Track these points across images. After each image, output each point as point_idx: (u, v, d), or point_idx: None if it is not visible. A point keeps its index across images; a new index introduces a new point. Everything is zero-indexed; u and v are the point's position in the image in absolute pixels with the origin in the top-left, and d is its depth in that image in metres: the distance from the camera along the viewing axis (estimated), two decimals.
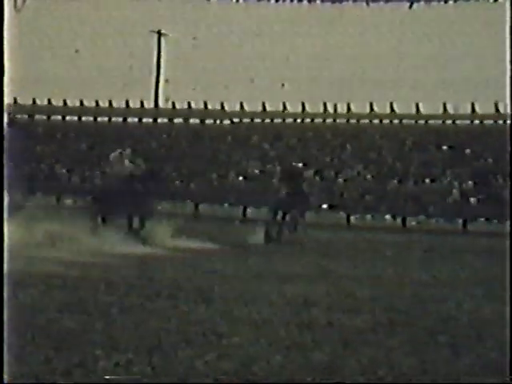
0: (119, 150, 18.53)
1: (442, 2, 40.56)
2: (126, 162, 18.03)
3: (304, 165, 27.52)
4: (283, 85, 35.51)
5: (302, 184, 20.11)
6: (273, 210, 19.74)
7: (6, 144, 6.71)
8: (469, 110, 41.71)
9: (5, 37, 6.13)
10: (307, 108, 43.69)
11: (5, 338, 5.46)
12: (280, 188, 19.76)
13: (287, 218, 19.60)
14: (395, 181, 36.58)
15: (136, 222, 17.36)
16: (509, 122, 38.93)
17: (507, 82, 27.84)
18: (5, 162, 6.38)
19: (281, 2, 41.91)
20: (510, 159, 33.60)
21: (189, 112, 45.48)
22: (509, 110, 38.03)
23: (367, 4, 40.98)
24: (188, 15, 43.50)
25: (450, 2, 40.53)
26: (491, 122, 41.21)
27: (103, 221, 17.21)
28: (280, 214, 19.70)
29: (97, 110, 46.02)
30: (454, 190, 35.15)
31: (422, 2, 40.68)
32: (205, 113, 45.15)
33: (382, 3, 40.88)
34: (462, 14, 40.07)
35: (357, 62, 41.76)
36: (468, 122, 41.75)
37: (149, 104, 46.88)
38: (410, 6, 40.53)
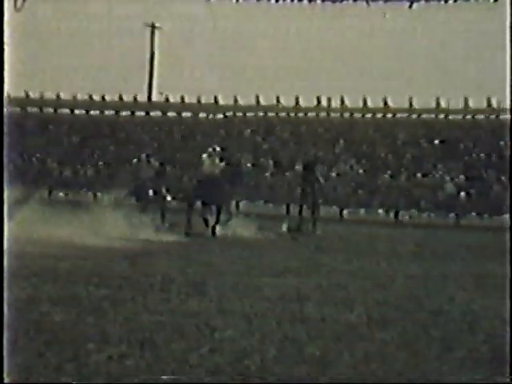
0: (211, 149, 19.45)
1: (442, 2, 40.52)
2: (217, 160, 19.06)
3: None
4: None
5: (315, 180, 21.12)
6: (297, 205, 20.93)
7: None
8: (461, 105, 41.80)
9: (5, 37, 6.12)
10: (301, 102, 43.71)
11: (4, 338, 5.47)
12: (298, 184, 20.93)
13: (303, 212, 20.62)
14: (388, 175, 36.64)
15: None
16: (501, 116, 39.01)
17: (507, 83, 27.80)
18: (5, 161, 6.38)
19: (281, 1, 41.83)
20: (511, 154, 33.65)
21: (182, 106, 45.45)
22: (508, 106, 38.08)
23: (367, 4, 40.93)
24: (184, 11, 43.43)
25: (450, 2, 40.49)
26: (483, 116, 41.31)
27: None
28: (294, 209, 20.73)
29: (90, 104, 45.96)
30: (446, 185, 35.22)
31: (422, 2, 40.64)
32: (198, 106, 45.13)
33: (381, 3, 40.82)
34: (462, 14, 40.06)
35: (353, 58, 41.81)
36: (460, 116, 41.83)
37: (142, 97, 46.83)
38: (410, 6, 40.48)
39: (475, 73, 39.17)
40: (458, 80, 40.27)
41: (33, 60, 42.54)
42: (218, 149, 19.66)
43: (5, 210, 6.20)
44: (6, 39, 6.03)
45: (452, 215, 33.77)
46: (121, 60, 43.97)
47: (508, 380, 5.61)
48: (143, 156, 21.04)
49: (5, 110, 6.56)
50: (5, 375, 5.08)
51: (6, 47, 5.97)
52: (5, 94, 6.46)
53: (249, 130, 42.46)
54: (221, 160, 19.21)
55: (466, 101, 41.48)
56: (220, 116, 44.71)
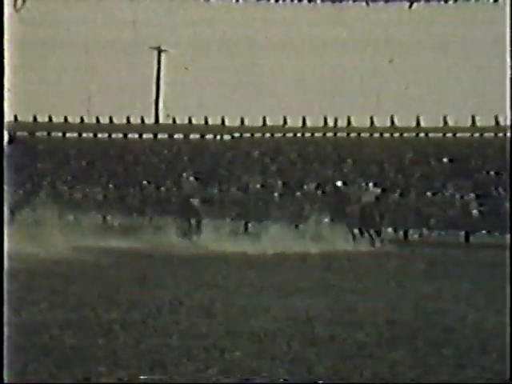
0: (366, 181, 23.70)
1: (442, 2, 40.41)
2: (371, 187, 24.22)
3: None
4: None
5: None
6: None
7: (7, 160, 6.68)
8: (469, 123, 41.74)
9: (5, 38, 6.11)
10: (307, 122, 43.72)
11: (5, 338, 5.42)
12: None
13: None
14: (396, 194, 36.56)
15: None
16: (508, 134, 38.91)
17: (507, 84, 27.67)
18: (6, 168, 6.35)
19: (281, 1, 41.76)
20: (510, 171, 33.56)
21: (189, 127, 45.50)
22: (508, 119, 37.99)
23: (367, 4, 40.86)
24: (190, 33, 43.41)
25: (450, 2, 40.37)
26: (491, 134, 41.22)
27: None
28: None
29: (97, 127, 46.05)
30: (456, 203, 35.14)
31: (421, 2, 40.52)
32: (205, 128, 45.17)
33: (381, 3, 40.71)
34: (462, 14, 39.88)
35: (356, 73, 41.72)
36: (468, 134, 41.75)
37: (149, 120, 46.91)
38: (410, 6, 40.37)
39: (477, 87, 39.06)
40: (465, 98, 40.21)
41: (38, 84, 42.66)
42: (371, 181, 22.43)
43: (5, 212, 6.17)
44: (7, 45, 6.02)
45: (462, 233, 33.62)
46: (128, 83, 44.09)
47: (508, 380, 5.56)
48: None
49: (5, 107, 6.52)
50: (5, 375, 5.03)
51: (9, 58, 5.96)
52: (5, 94, 6.43)
53: (257, 151, 42.46)
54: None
55: (473, 119, 41.43)
56: (227, 137, 44.74)
